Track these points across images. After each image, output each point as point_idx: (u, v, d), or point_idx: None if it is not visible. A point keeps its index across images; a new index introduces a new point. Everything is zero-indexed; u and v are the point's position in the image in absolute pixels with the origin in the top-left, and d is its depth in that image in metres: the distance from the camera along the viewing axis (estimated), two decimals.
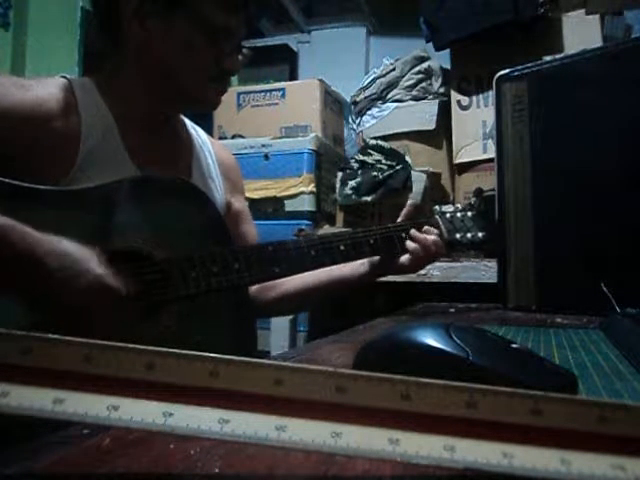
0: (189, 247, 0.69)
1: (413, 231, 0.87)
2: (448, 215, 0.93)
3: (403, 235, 0.87)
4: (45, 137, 0.69)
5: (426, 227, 0.89)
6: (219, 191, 0.91)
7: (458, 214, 0.92)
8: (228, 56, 0.78)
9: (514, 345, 0.36)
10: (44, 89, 0.72)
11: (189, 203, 0.73)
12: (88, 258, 0.57)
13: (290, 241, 0.77)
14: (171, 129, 0.87)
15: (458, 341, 0.33)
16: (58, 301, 0.56)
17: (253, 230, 1.00)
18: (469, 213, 0.92)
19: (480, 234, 0.90)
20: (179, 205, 0.72)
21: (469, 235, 0.90)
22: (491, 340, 0.36)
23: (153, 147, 0.80)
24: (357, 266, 0.91)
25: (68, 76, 0.76)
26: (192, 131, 0.92)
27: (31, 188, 0.62)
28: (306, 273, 0.83)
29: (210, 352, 0.21)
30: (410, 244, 0.87)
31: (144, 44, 0.75)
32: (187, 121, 0.93)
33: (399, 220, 0.92)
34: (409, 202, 0.94)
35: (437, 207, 0.96)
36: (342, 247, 0.80)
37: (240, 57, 0.80)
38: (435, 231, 0.89)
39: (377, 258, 0.90)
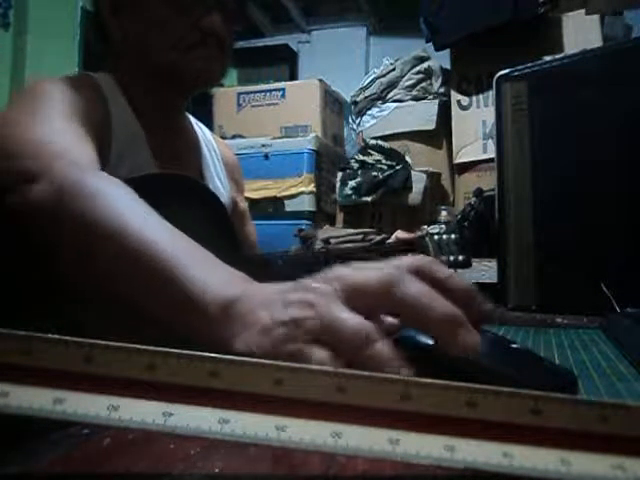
0: None
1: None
2: (436, 237, 1.00)
3: (396, 255, 0.90)
4: (98, 138, 0.67)
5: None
6: (226, 191, 0.91)
7: (444, 236, 1.00)
8: (204, 17, 0.73)
9: (514, 345, 0.36)
10: (85, 89, 0.70)
11: (200, 203, 0.72)
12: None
13: (293, 255, 0.77)
14: (180, 127, 0.86)
15: None
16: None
17: (254, 232, 1.00)
18: (452, 236, 0.99)
19: (460, 257, 0.98)
20: (190, 205, 0.71)
21: (452, 258, 0.98)
22: (491, 340, 0.36)
23: (169, 147, 0.79)
24: None
25: (92, 75, 0.75)
26: (198, 129, 0.91)
27: None
28: None
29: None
30: None
31: (125, 39, 0.75)
32: (192, 119, 0.92)
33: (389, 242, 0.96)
34: (398, 233, 0.97)
35: (425, 227, 1.04)
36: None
37: (223, 17, 0.75)
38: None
39: None
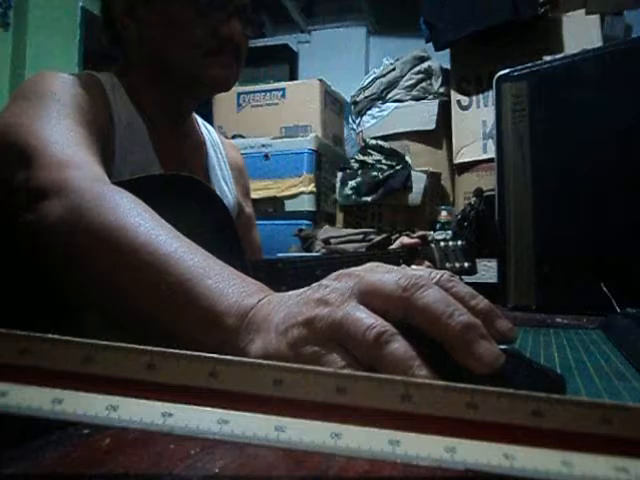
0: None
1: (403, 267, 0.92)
2: (442, 244, 1.00)
3: (400, 261, 0.92)
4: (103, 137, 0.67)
5: (418, 260, 0.93)
6: (232, 194, 0.89)
7: (450, 243, 1.00)
8: (224, 24, 0.72)
9: (502, 346, 0.36)
10: (85, 86, 0.69)
11: (203, 205, 0.71)
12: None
13: (298, 258, 0.77)
14: (187, 128, 0.85)
15: None
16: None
17: (258, 236, 1.00)
18: (459, 242, 1.00)
19: (466, 264, 0.99)
20: (193, 206, 0.70)
21: (457, 265, 0.99)
22: None
23: (174, 148, 0.79)
24: None
25: (95, 73, 0.74)
26: (204, 130, 0.90)
27: None
28: None
29: None
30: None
31: (139, 37, 0.74)
32: (199, 119, 0.91)
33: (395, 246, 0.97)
34: (403, 239, 0.99)
35: (431, 232, 1.03)
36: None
37: (241, 22, 0.74)
38: (426, 264, 0.94)
39: None
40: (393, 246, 0.98)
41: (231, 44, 0.74)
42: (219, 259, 0.42)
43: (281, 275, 0.73)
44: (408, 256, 0.92)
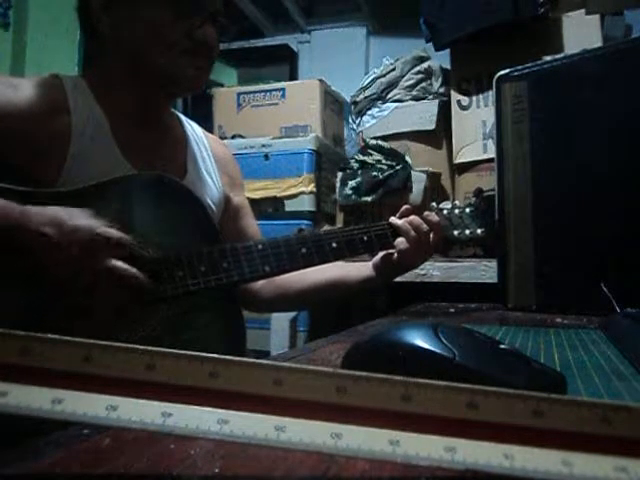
0: (177, 246, 0.69)
1: (392, 218, 0.84)
2: (445, 212, 0.90)
3: (388, 235, 0.85)
4: (33, 137, 0.70)
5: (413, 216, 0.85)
6: (217, 186, 0.91)
7: (456, 210, 0.90)
8: (199, 28, 0.75)
9: (502, 345, 0.36)
10: (34, 89, 0.72)
11: (176, 200, 0.73)
12: (78, 213, 0.60)
13: (281, 239, 0.76)
14: (164, 125, 0.86)
15: (445, 341, 0.33)
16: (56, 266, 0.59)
17: (254, 224, 1.00)
18: (467, 209, 0.90)
19: (479, 230, 0.88)
20: (166, 203, 0.72)
21: (467, 232, 0.88)
22: (479, 340, 0.36)
23: (146, 144, 0.80)
24: (361, 269, 0.91)
25: (61, 74, 0.76)
26: (187, 126, 0.92)
27: (21, 191, 0.62)
28: (309, 272, 0.82)
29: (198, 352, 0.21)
30: (398, 238, 0.84)
31: (116, 35, 0.76)
32: (182, 117, 0.93)
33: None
34: (406, 206, 0.89)
35: (434, 204, 0.94)
36: (334, 244, 0.79)
37: (214, 28, 0.77)
38: (419, 220, 0.85)
39: (379, 260, 0.89)
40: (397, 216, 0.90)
41: (205, 47, 0.76)
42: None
43: (261, 256, 0.72)
44: (393, 231, 0.84)
